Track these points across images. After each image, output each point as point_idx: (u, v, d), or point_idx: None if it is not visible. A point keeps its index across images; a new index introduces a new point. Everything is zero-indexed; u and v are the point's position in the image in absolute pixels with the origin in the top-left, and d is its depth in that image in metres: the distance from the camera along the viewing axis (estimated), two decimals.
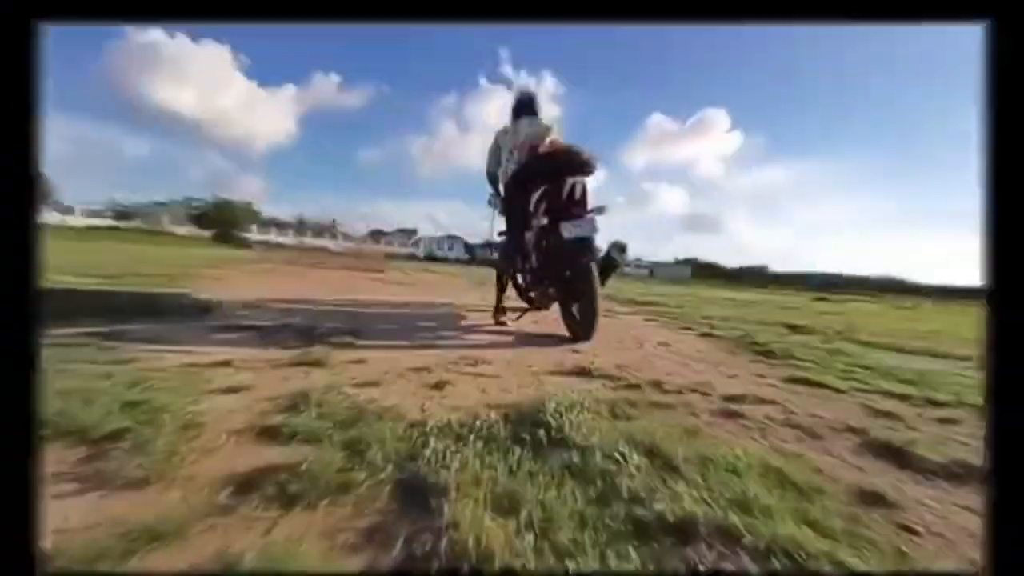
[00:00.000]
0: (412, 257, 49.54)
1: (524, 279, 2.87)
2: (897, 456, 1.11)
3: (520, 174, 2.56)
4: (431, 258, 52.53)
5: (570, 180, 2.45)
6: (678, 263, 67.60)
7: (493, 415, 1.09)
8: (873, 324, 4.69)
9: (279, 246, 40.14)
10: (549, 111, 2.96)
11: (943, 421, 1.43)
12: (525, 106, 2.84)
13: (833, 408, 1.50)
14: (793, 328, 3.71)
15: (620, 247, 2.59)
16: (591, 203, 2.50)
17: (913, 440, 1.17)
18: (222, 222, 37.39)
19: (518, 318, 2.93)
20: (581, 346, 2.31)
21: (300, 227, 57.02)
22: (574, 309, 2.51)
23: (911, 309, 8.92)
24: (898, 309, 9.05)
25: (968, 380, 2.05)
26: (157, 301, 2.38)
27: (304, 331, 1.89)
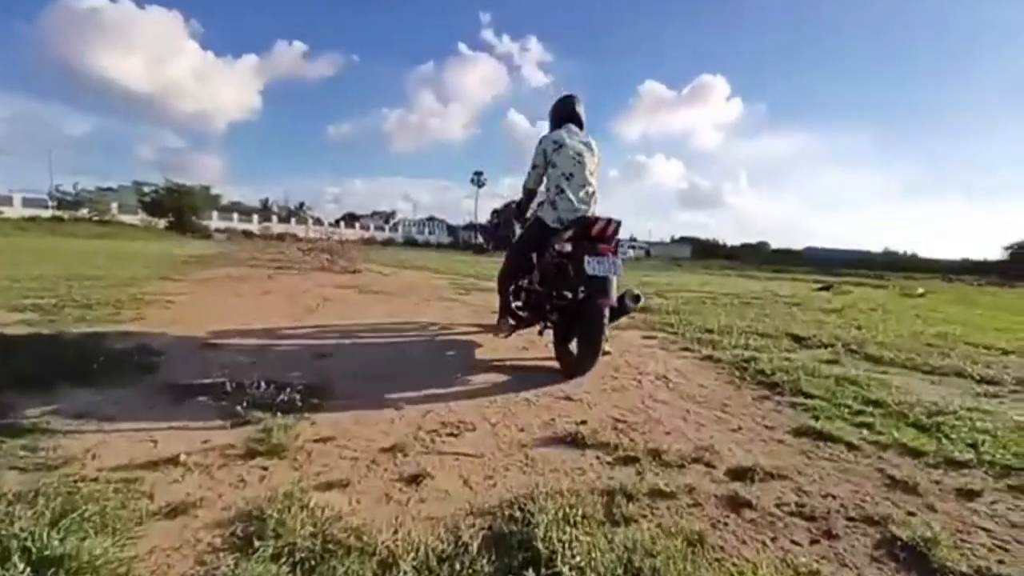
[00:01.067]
0: (390, 242, 48.95)
1: (523, 296, 2.95)
2: (920, 562, 1.09)
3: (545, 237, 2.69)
4: (411, 243, 52.06)
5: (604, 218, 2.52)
6: (676, 242, 68.05)
7: (475, 543, 1.03)
8: (882, 325, 4.74)
9: (243, 235, 39.38)
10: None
11: (963, 494, 1.42)
12: (569, 112, 2.93)
13: (848, 479, 1.48)
14: (799, 341, 3.73)
15: (635, 296, 2.64)
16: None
17: (934, 538, 1.14)
18: (178, 209, 36.26)
19: (507, 335, 2.99)
20: (575, 388, 2.26)
21: (265, 211, 55.75)
22: (572, 344, 2.52)
23: (920, 297, 9.08)
24: (905, 296, 9.22)
25: (983, 417, 2.06)
26: (99, 350, 2.26)
27: (263, 396, 1.80)
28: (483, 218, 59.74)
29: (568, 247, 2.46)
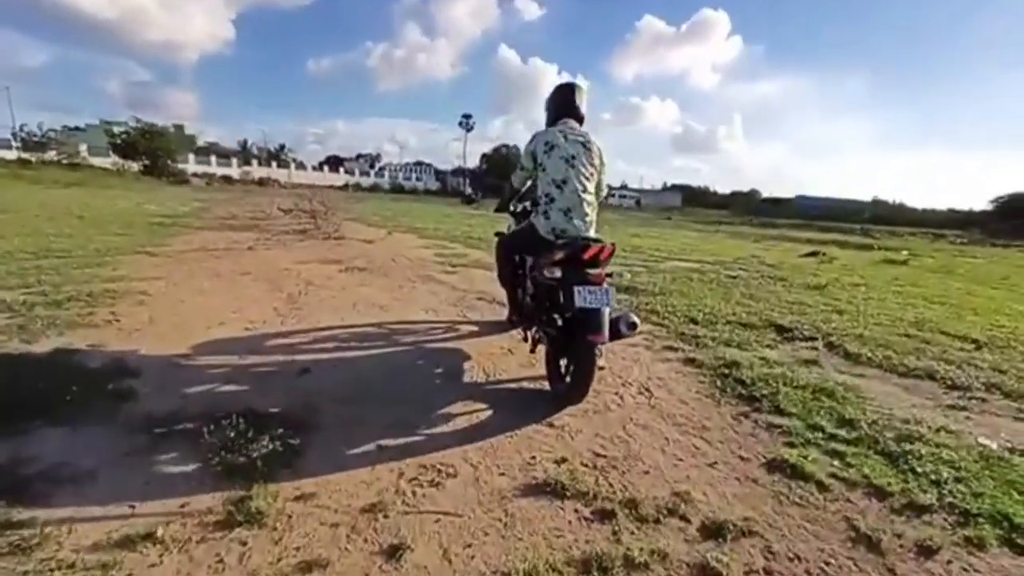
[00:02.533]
0: (375, 189, 47.68)
1: (522, 297, 2.92)
2: None
3: (540, 252, 2.49)
4: (398, 189, 50.76)
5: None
6: (667, 189, 67.37)
7: None
8: (863, 307, 4.82)
9: (223, 180, 37.93)
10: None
11: (922, 551, 1.49)
12: (568, 106, 2.67)
13: (815, 532, 1.54)
14: (782, 332, 3.78)
15: (630, 324, 2.39)
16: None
17: None
18: (151, 152, 34.49)
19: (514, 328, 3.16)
20: (560, 417, 2.28)
21: (244, 154, 53.45)
22: (562, 364, 2.42)
23: (903, 264, 9.19)
24: (888, 263, 9.33)
25: (949, 441, 2.13)
26: (72, 372, 2.21)
27: (243, 440, 1.78)
28: (472, 162, 58.06)
29: (558, 272, 2.32)
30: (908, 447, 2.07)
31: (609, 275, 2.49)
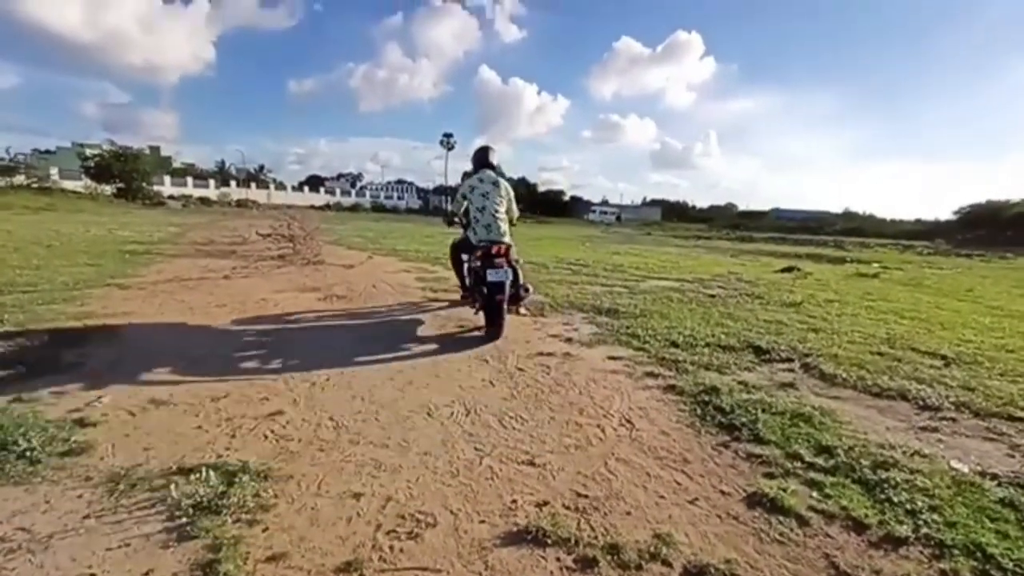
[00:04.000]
0: (356, 208, 47.39)
1: (467, 281, 4.43)
2: None
3: (472, 252, 4.16)
4: (379, 208, 50.55)
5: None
6: (647, 204, 68.61)
7: None
8: (837, 324, 4.93)
9: (200, 201, 37.33)
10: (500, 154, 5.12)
11: None
12: (483, 160, 4.43)
13: (796, 573, 1.54)
14: (760, 354, 3.83)
15: (526, 288, 4.18)
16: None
17: None
18: (125, 174, 33.81)
19: (464, 299, 4.57)
20: (540, 446, 2.26)
21: (222, 175, 52.77)
22: (481, 316, 4.05)
23: (874, 278, 9.47)
24: (860, 276, 9.60)
25: (923, 467, 2.17)
26: (30, 424, 2.10)
27: (211, 493, 1.71)
28: (454, 180, 58.52)
29: (478, 263, 3.93)
30: (884, 475, 2.10)
31: (517, 260, 4.20)
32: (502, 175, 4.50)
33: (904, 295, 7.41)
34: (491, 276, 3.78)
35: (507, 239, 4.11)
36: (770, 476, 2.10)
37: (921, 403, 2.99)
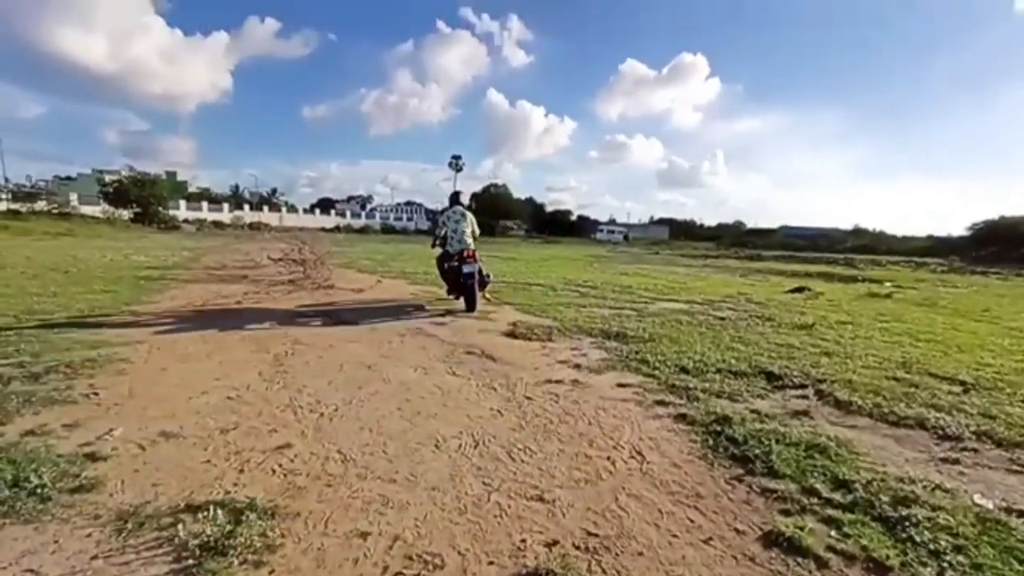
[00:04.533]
0: (366, 229, 48.03)
1: (449, 277, 6.49)
2: None
3: (454, 256, 6.35)
4: (389, 230, 51.15)
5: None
6: (654, 223, 68.70)
7: None
8: (850, 348, 4.85)
9: (214, 225, 38.08)
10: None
11: None
12: (456, 200, 6.85)
13: None
14: (772, 380, 3.77)
15: (486, 276, 6.56)
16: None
17: None
18: (142, 199, 34.72)
19: (449, 291, 6.68)
20: (549, 480, 2.22)
21: (236, 199, 53.91)
22: (462, 302, 6.25)
23: (887, 297, 9.32)
24: (872, 297, 9.46)
25: (945, 503, 2.10)
26: (41, 460, 2.11)
27: (218, 531, 1.70)
28: (463, 201, 59.22)
29: (456, 262, 6.17)
30: (905, 511, 2.03)
31: (480, 260, 6.42)
32: (469, 208, 7.00)
33: (919, 316, 7.28)
34: (466, 269, 6.12)
35: (472, 247, 6.40)
36: (786, 513, 2.04)
37: (940, 432, 2.91)
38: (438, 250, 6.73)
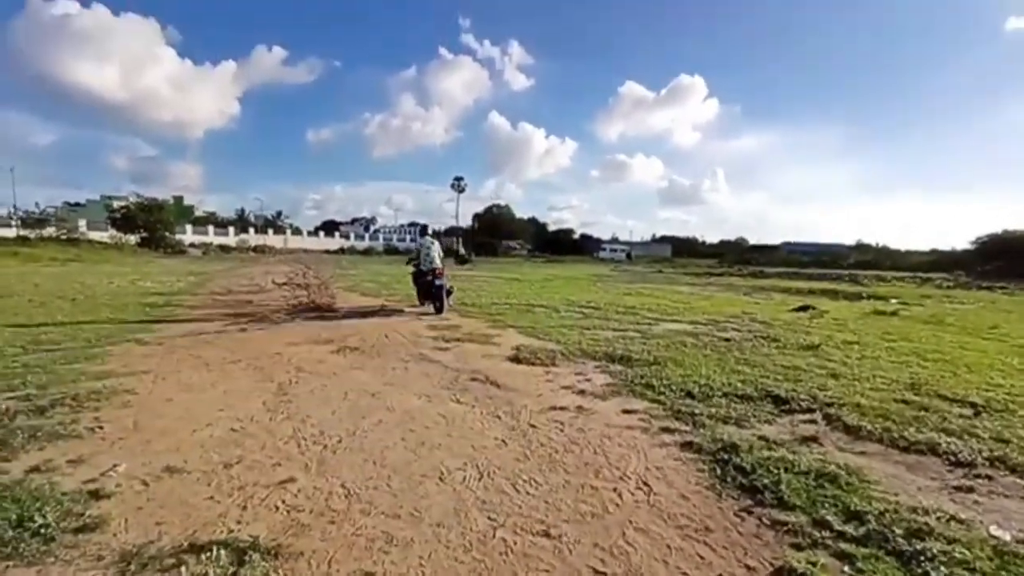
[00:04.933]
0: (369, 251, 48.38)
1: (421, 290, 8.36)
2: None
3: (426, 273, 8.22)
4: (392, 251, 51.47)
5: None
6: (656, 241, 68.85)
7: None
8: (857, 369, 4.81)
9: (220, 249, 38.45)
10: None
11: None
12: (424, 231, 11.56)
13: None
14: (779, 404, 3.73)
15: (449, 290, 8.50)
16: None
17: None
18: (149, 224, 35.26)
19: (422, 304, 8.50)
20: (556, 515, 2.19)
21: (242, 222, 54.52)
22: (435, 305, 8.15)
23: (893, 315, 9.27)
24: (878, 314, 9.40)
25: (960, 535, 2.05)
26: (46, 498, 2.11)
27: (220, 569, 1.69)
28: (465, 221, 59.85)
29: (429, 277, 8.06)
30: (919, 545, 1.99)
31: (447, 276, 8.61)
32: (437, 237, 10.22)
33: (926, 334, 7.23)
34: (436, 283, 8.07)
35: (440, 266, 8.24)
36: (798, 547, 2.00)
37: (952, 458, 2.86)
38: (411, 268, 8.71)
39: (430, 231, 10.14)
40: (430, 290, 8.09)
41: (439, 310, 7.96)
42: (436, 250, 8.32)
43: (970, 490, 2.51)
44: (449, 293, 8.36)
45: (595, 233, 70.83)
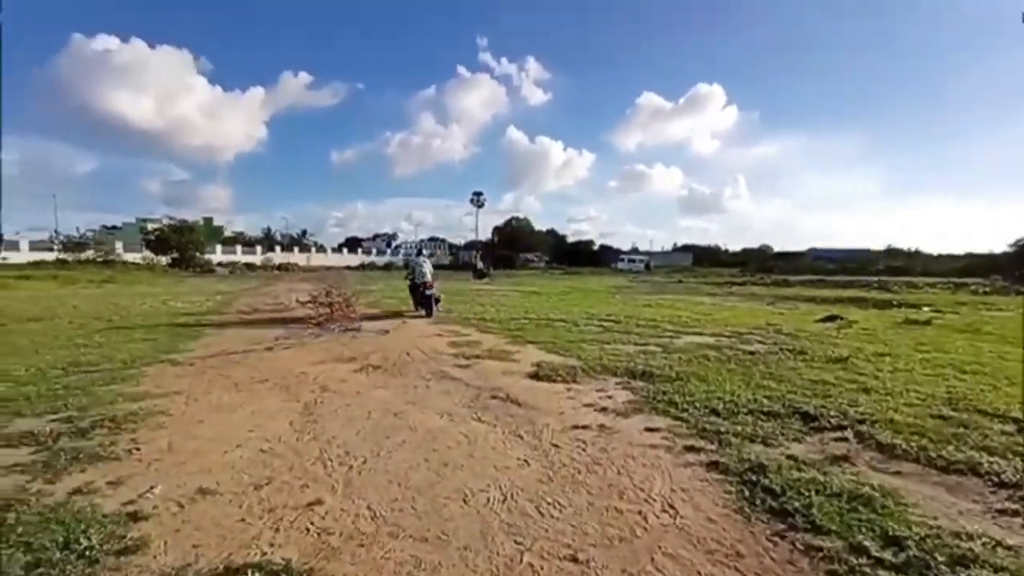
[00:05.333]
0: (390, 266, 49.01)
1: (416, 299, 10.56)
2: None
3: (419, 285, 10.35)
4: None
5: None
6: (677, 250, 68.08)
7: None
8: (890, 384, 4.66)
9: (246, 267, 39.59)
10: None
11: None
12: (419, 251, 13.30)
13: None
14: (808, 422, 3.64)
15: (437, 298, 10.40)
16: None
17: None
18: (181, 245, 36.70)
19: (414, 310, 10.60)
20: (582, 539, 2.18)
21: (268, 241, 56.06)
22: (424, 309, 10.18)
23: (926, 324, 8.94)
24: (910, 324, 9.08)
25: (1007, 562, 1.96)
26: (76, 523, 2.19)
27: None
28: (485, 235, 60.44)
29: (422, 288, 10.14)
30: (964, 573, 1.92)
31: (432, 285, 10.27)
32: (429, 256, 12.42)
33: (962, 344, 6.95)
34: (427, 292, 9.95)
35: (430, 279, 10.11)
36: (834, 575, 1.94)
37: (995, 479, 2.74)
38: (407, 282, 10.98)
39: (425, 252, 12.41)
40: (422, 298, 10.11)
41: (428, 313, 9.94)
42: (428, 267, 10.39)
43: (1016, 513, 2.41)
44: (437, 301, 10.29)
45: (614, 244, 70.45)
